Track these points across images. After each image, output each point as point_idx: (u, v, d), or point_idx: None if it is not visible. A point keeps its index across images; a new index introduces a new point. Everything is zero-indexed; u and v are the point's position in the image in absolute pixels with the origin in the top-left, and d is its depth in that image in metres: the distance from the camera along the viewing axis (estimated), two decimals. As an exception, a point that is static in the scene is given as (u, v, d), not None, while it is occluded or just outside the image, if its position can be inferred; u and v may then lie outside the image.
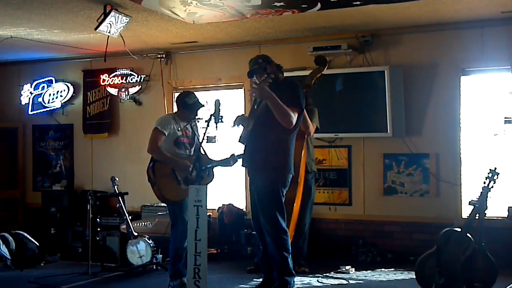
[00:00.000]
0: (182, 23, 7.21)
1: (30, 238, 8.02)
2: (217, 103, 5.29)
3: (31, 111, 9.94)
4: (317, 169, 7.22)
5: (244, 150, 5.68)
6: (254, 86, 5.47)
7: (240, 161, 5.84)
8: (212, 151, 6.09)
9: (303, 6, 6.45)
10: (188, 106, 6.11)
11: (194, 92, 6.33)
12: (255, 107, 5.71)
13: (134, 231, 7.34)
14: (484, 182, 5.50)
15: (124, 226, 7.56)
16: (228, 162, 5.98)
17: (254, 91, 5.47)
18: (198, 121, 6.22)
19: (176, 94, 8.48)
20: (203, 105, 6.15)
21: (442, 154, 7.51)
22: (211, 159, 6.00)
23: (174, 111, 6.38)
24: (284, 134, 5.43)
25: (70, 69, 9.86)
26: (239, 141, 5.68)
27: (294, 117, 5.34)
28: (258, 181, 5.53)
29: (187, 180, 5.81)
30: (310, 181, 6.93)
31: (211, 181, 6.06)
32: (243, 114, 6.08)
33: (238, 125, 5.78)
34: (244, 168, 5.87)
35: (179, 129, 6.04)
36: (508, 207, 5.74)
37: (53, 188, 9.70)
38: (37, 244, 8.01)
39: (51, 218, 9.24)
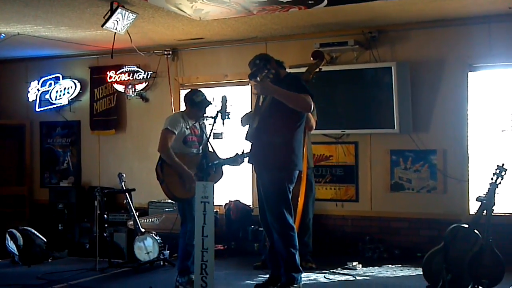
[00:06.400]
0: (189, 20, 7.21)
1: (37, 234, 8.05)
2: (224, 100, 5.29)
3: (38, 107, 9.98)
4: (322, 165, 7.19)
5: (251, 148, 5.68)
6: (256, 83, 5.48)
7: (247, 159, 5.83)
8: (219, 148, 6.08)
9: (310, 2, 6.44)
10: (195, 104, 6.10)
11: (201, 90, 6.32)
12: (260, 104, 5.70)
13: (141, 227, 7.36)
14: (492, 178, 5.48)
15: (131, 222, 7.58)
16: (236, 160, 5.97)
17: (257, 89, 5.48)
18: (206, 119, 6.21)
19: (183, 91, 8.54)
20: (211, 103, 6.14)
21: (450, 150, 7.50)
22: (219, 157, 5.99)
23: (182, 110, 6.36)
24: (289, 130, 5.43)
25: (77, 66, 9.88)
26: (245, 139, 5.67)
27: (309, 100, 5.33)
28: (265, 178, 5.53)
29: (197, 177, 5.81)
30: (310, 176, 6.94)
31: (220, 178, 6.05)
32: (250, 112, 6.08)
33: (245, 125, 5.77)
34: (251, 164, 5.87)
35: (188, 127, 6.04)
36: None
37: (61, 185, 9.73)
38: (45, 240, 8.04)
39: (59, 214, 9.26)
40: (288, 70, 5.87)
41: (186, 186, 5.84)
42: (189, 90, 6.36)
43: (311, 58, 6.85)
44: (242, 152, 5.90)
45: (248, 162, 5.82)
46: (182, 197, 5.94)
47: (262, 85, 5.36)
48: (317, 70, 6.71)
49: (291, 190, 5.54)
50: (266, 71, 5.39)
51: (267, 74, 5.36)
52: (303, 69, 7.12)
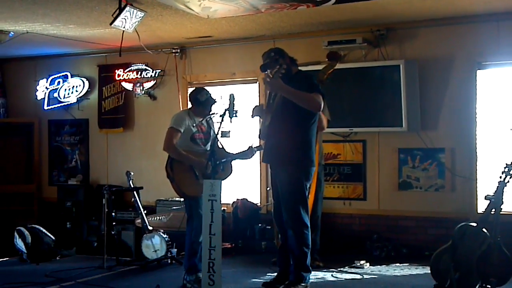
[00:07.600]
0: (197, 18, 7.22)
1: (46, 232, 8.08)
2: (232, 98, 5.29)
3: (47, 106, 10.00)
4: (330, 163, 7.18)
5: (265, 146, 5.67)
6: (266, 79, 5.45)
7: (257, 153, 5.83)
8: (227, 146, 6.08)
9: (318, 0, 6.43)
10: (200, 103, 6.09)
11: (207, 88, 6.32)
12: (271, 101, 5.68)
13: (149, 226, 7.37)
14: (500, 177, 5.46)
15: (139, 221, 7.60)
16: (246, 154, 5.97)
17: (267, 84, 5.46)
18: (213, 116, 6.21)
19: (191, 89, 8.53)
20: (216, 101, 6.14)
21: (458, 148, 7.47)
22: (228, 153, 5.99)
23: (189, 108, 6.35)
24: (303, 128, 5.41)
25: (86, 64, 9.91)
26: (259, 137, 5.68)
27: (319, 99, 5.30)
28: (281, 175, 5.51)
29: (207, 175, 5.79)
30: (320, 174, 6.92)
31: (229, 175, 6.04)
32: (261, 104, 6.07)
33: (255, 116, 5.77)
34: (258, 162, 5.87)
35: (194, 125, 6.03)
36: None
37: (69, 183, 9.76)
38: (53, 238, 8.07)
39: (67, 213, 9.30)
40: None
41: (199, 175, 5.83)
42: (194, 88, 6.35)
43: (326, 59, 6.82)
44: (251, 147, 5.91)
45: (263, 161, 5.83)
46: (192, 195, 5.93)
47: (272, 82, 5.34)
48: (332, 70, 6.69)
49: (307, 187, 5.53)
50: (278, 67, 5.37)
51: (279, 70, 5.33)
52: (311, 67, 7.12)
